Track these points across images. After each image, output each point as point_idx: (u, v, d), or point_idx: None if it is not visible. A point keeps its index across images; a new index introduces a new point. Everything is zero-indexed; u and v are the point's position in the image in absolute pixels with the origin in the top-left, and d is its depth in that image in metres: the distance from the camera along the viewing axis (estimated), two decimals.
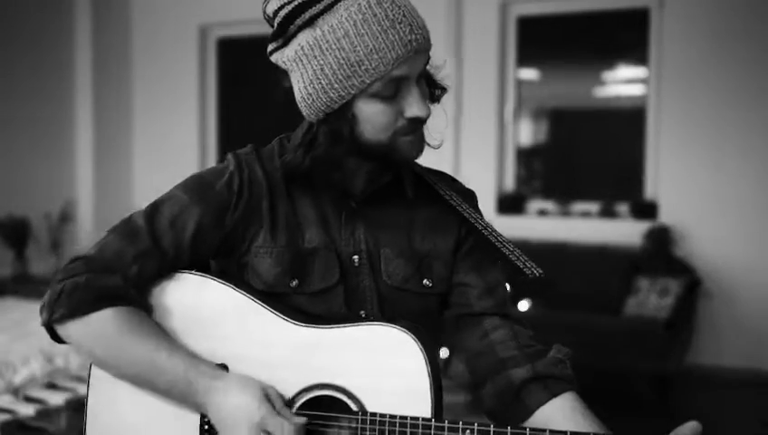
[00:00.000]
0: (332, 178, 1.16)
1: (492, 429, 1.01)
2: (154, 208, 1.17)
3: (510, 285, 1.27)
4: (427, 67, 1.16)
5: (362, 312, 1.18)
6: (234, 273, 1.19)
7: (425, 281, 1.21)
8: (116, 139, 6.50)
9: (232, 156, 1.21)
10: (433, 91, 1.18)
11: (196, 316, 1.16)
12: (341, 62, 1.06)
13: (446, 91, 1.20)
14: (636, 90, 5.39)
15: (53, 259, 5.90)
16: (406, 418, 1.04)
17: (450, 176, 1.31)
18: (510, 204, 5.40)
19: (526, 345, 1.19)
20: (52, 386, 2.98)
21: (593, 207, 5.29)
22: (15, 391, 2.86)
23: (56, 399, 2.84)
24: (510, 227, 5.31)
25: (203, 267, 1.20)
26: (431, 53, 1.14)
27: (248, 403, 1.05)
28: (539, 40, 5.55)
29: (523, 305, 4.78)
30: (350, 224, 1.20)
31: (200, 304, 1.16)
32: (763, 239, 4.80)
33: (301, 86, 1.14)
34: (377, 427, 1.05)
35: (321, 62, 1.08)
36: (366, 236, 1.20)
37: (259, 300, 1.14)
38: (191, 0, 6.39)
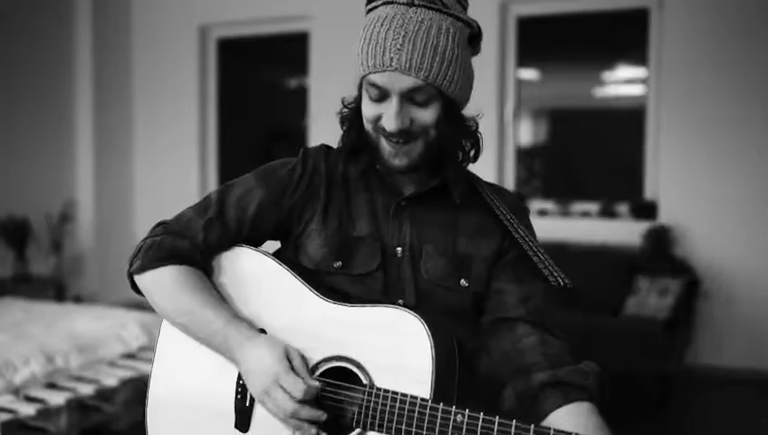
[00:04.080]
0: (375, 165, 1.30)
1: (481, 415, 1.07)
2: (227, 188, 1.35)
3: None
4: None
5: (400, 301, 1.26)
6: (290, 254, 1.33)
7: (462, 281, 1.28)
8: (116, 139, 6.50)
9: (302, 150, 1.36)
10: (454, 130, 1.27)
11: (247, 284, 1.31)
12: (358, 53, 1.23)
13: (473, 139, 1.33)
14: (636, 90, 5.39)
15: (54, 259, 5.89)
16: (406, 396, 1.12)
17: (506, 190, 1.40)
18: None
19: (553, 354, 1.22)
20: (52, 386, 2.98)
21: (593, 207, 5.29)
22: (16, 391, 2.87)
23: (56, 399, 2.84)
24: None
25: (260, 244, 1.36)
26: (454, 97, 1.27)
27: (268, 358, 1.18)
28: (539, 40, 5.55)
29: None
30: (398, 219, 1.30)
31: (252, 275, 1.31)
32: (762, 239, 4.80)
33: None
34: (380, 401, 1.14)
35: (357, 48, 1.25)
36: (411, 231, 1.30)
37: (302, 278, 1.27)
38: (191, 0, 6.39)
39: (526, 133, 5.78)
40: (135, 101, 6.62)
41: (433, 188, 1.30)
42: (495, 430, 1.05)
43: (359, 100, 1.28)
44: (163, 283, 1.28)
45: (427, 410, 1.11)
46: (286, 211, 1.32)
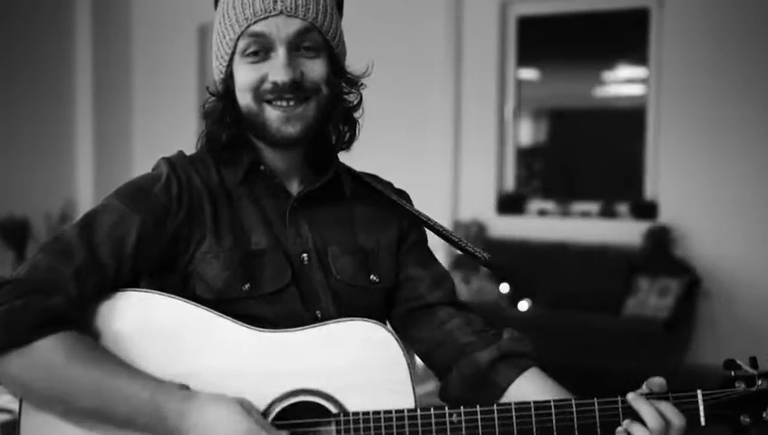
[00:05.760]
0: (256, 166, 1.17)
1: (478, 408, 1.02)
2: (87, 221, 1.08)
3: (510, 285, 1.31)
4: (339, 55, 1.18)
5: (318, 312, 1.15)
6: (176, 287, 1.11)
7: (372, 276, 1.21)
8: (116, 139, 6.50)
9: (164, 161, 1.17)
10: (338, 80, 1.18)
11: (148, 335, 1.05)
12: (223, 23, 1.17)
13: (355, 84, 1.20)
14: (636, 90, 5.39)
15: None
16: (390, 412, 1.02)
17: (382, 178, 1.32)
18: (510, 204, 5.40)
19: (482, 330, 1.22)
20: None
21: (593, 207, 5.29)
22: None
23: None
24: (510, 227, 5.32)
25: (137, 283, 1.12)
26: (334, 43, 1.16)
27: (228, 418, 0.97)
28: (539, 40, 5.55)
29: (523, 306, 4.78)
30: (294, 223, 1.18)
31: (151, 322, 1.05)
32: (762, 239, 4.80)
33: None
34: (360, 425, 1.02)
35: (216, 30, 1.20)
36: (312, 234, 1.19)
37: (212, 309, 1.07)
38: (191, 0, 6.39)
39: (526, 133, 5.78)
40: (135, 100, 6.62)
41: (323, 184, 1.20)
42: (496, 418, 1.02)
43: (228, 80, 1.16)
44: (44, 361, 0.96)
45: (419, 419, 1.01)
46: (171, 236, 1.10)
